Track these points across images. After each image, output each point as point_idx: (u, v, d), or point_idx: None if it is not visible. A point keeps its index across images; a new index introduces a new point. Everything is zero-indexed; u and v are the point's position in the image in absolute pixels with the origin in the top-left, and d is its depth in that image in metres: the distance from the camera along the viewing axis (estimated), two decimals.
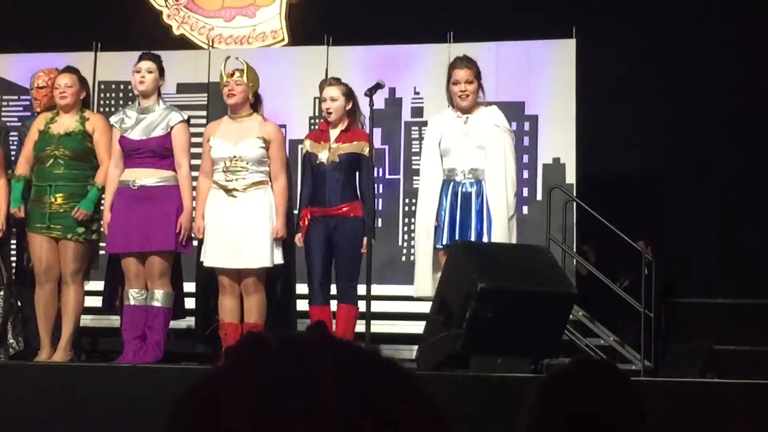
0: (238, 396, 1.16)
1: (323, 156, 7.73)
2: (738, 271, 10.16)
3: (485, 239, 7.43)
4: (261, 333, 1.24)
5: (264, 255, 7.43)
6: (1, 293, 7.94)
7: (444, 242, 7.47)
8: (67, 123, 7.72)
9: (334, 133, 7.78)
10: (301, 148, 8.10)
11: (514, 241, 7.57)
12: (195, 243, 7.73)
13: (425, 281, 7.54)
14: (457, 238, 7.38)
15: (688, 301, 10.43)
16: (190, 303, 8.10)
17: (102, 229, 7.71)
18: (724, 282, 10.21)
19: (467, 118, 7.58)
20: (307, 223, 7.70)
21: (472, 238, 7.41)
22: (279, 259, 7.53)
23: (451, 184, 7.52)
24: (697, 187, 10.57)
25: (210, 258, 7.52)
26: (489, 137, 7.49)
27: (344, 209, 7.66)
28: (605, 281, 9.34)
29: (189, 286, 8.06)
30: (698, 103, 10.60)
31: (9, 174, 7.88)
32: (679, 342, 9.58)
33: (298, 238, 7.73)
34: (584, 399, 2.27)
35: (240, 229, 7.43)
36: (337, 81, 7.96)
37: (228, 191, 7.49)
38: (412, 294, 8.00)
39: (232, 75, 7.66)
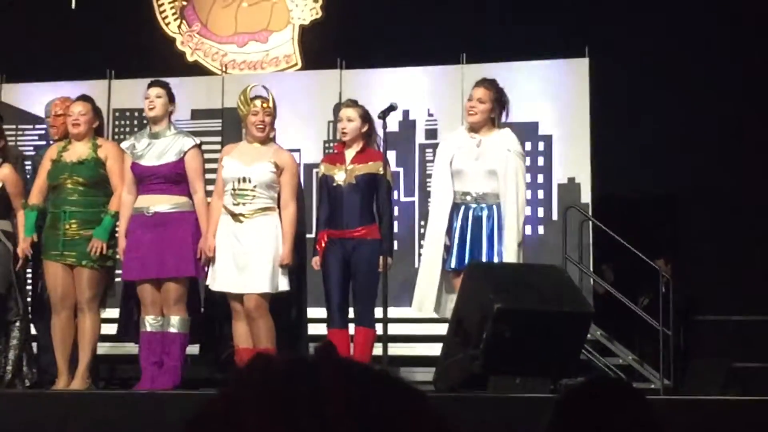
0: (248, 417, 1.15)
1: (339, 178, 7.73)
2: (756, 287, 10.10)
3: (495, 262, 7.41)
4: (269, 354, 1.24)
5: (265, 280, 7.39)
6: (18, 324, 7.94)
7: (454, 265, 7.45)
8: (80, 151, 7.73)
9: (349, 155, 7.78)
10: (317, 172, 8.09)
11: None
12: (207, 269, 7.74)
13: (426, 298, 7.51)
14: (467, 260, 7.36)
15: (707, 319, 10.38)
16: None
17: (117, 256, 7.72)
18: (742, 299, 10.16)
19: (480, 140, 7.57)
20: (323, 245, 7.69)
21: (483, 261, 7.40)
22: (284, 285, 7.48)
23: (462, 207, 7.52)
24: (713, 204, 10.53)
25: (216, 282, 7.51)
26: (501, 162, 7.47)
27: (362, 232, 7.65)
28: (623, 300, 9.31)
29: None
30: (714, 120, 10.57)
31: (22, 204, 7.90)
32: (699, 360, 9.53)
33: (315, 262, 7.72)
34: (599, 417, 2.26)
35: (243, 254, 7.41)
36: (354, 103, 7.97)
37: (234, 216, 7.47)
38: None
39: (264, 106, 7.64)
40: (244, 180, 7.48)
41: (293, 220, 7.53)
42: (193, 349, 8.16)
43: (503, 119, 7.70)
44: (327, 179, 7.80)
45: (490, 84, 7.69)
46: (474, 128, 7.62)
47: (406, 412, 1.18)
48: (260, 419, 1.15)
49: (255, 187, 7.47)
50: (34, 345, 8.24)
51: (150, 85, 7.86)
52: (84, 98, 7.97)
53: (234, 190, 7.48)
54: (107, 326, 8.00)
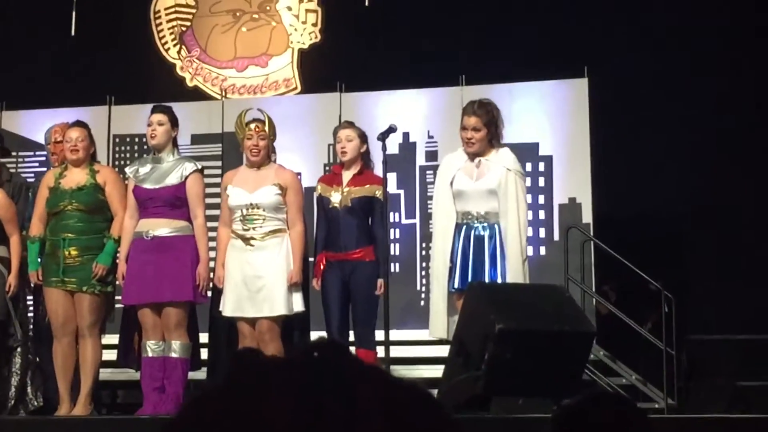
0: (281, 415, 1.12)
1: (335, 199, 7.72)
2: (760, 306, 10.07)
3: (499, 282, 7.39)
4: (297, 352, 1.20)
5: (280, 303, 7.39)
6: (19, 350, 7.93)
7: (457, 285, 7.42)
8: (77, 177, 7.72)
9: (346, 177, 7.77)
10: (315, 193, 8.09)
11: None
12: (209, 293, 7.71)
13: (440, 322, 7.50)
14: (470, 281, 7.33)
15: (711, 338, 10.34)
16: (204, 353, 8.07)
17: (117, 282, 7.70)
18: (746, 318, 10.12)
19: (479, 161, 7.56)
20: (322, 267, 7.68)
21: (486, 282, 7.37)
22: (299, 306, 7.48)
23: (464, 227, 7.50)
24: (715, 223, 10.50)
25: (228, 308, 7.49)
26: (501, 181, 7.46)
27: (359, 254, 7.64)
28: (625, 320, 9.28)
29: (203, 337, 8.03)
30: (714, 139, 10.55)
31: (23, 235, 7.88)
32: (703, 379, 9.49)
33: (315, 282, 7.70)
34: None
35: (257, 278, 7.40)
36: (350, 124, 7.99)
37: (246, 240, 7.47)
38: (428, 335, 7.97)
39: (257, 130, 7.61)
40: (252, 206, 7.48)
41: (301, 238, 7.54)
42: (195, 375, 8.14)
43: (501, 138, 7.65)
44: (323, 200, 7.80)
45: (479, 108, 7.58)
46: (473, 154, 7.60)
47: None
48: (293, 418, 1.11)
49: (264, 210, 7.47)
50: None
51: (153, 111, 7.83)
52: (79, 124, 7.96)
53: (243, 216, 7.48)
54: (108, 352, 7.97)
